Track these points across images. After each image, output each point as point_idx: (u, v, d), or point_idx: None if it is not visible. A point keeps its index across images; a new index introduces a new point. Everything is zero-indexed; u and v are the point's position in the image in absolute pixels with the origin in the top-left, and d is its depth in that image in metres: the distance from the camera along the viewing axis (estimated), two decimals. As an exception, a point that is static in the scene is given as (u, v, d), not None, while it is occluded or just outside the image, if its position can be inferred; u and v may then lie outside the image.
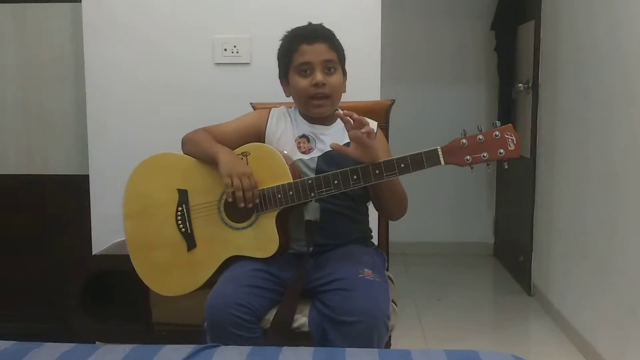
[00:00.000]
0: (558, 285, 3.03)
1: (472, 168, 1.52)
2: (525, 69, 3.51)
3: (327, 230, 1.72)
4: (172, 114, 2.44)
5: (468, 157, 1.50)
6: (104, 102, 2.47)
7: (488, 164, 1.51)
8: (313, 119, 1.80)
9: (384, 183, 1.62)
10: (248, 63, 2.41)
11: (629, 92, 2.27)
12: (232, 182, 1.61)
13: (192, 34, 2.42)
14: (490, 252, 4.25)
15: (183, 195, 1.75)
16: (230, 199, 1.64)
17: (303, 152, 1.76)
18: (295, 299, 1.61)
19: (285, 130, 1.80)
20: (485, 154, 1.48)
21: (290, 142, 1.78)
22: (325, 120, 1.80)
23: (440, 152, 1.51)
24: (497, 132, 1.48)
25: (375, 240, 1.96)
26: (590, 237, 2.63)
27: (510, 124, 1.50)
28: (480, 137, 1.49)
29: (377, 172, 1.55)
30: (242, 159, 1.68)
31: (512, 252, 3.81)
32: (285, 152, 1.73)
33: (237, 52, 2.41)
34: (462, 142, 1.50)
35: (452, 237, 4.24)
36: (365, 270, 1.61)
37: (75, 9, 2.52)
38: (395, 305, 1.73)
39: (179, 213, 1.74)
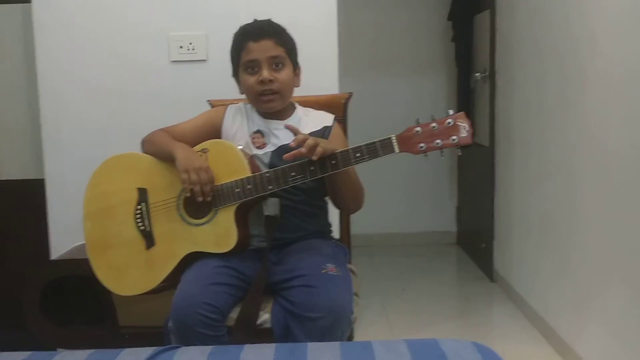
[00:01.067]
0: (519, 271, 3.09)
1: (426, 155, 1.55)
2: (482, 58, 3.55)
3: (282, 225, 1.72)
4: (128, 115, 2.40)
5: (422, 145, 1.52)
6: (57, 104, 2.42)
7: (442, 151, 1.54)
8: (267, 114, 1.81)
9: (340, 176, 1.64)
10: (205, 60, 2.40)
11: (581, 80, 2.32)
12: (189, 177, 1.62)
13: (147, 32, 2.39)
14: (453, 240, 4.30)
15: (143, 194, 1.74)
16: (188, 194, 1.66)
17: (257, 147, 1.77)
18: (259, 296, 1.62)
19: (240, 126, 1.81)
20: (438, 141, 1.52)
21: (245, 138, 1.78)
22: (279, 114, 1.81)
23: (394, 140, 1.53)
24: (450, 120, 1.52)
25: (336, 234, 1.97)
26: (548, 223, 2.68)
27: (462, 112, 1.53)
28: (434, 124, 1.52)
29: (333, 162, 1.57)
30: (201, 155, 1.68)
31: (474, 240, 3.86)
32: (241, 147, 1.73)
33: (194, 50, 2.39)
34: (416, 130, 1.53)
35: (416, 227, 4.28)
36: (329, 265, 1.62)
37: (26, 10, 2.47)
38: (357, 297, 1.74)
39: (138, 211, 1.74)
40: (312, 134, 1.73)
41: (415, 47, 4.18)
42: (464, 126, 1.51)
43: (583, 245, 2.34)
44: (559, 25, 2.51)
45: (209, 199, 1.64)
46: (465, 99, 3.75)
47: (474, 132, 1.53)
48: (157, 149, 1.75)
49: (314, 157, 1.55)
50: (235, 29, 1.83)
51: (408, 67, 4.18)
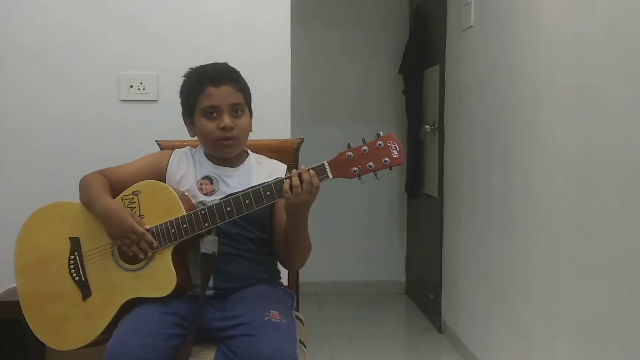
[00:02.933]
0: (466, 322, 3.10)
1: (360, 179, 1.54)
2: (432, 111, 3.63)
3: (228, 274, 1.68)
4: (75, 150, 2.35)
5: (355, 169, 1.52)
6: (2, 134, 2.36)
7: (375, 174, 1.54)
8: (218, 160, 1.77)
9: (298, 225, 1.62)
10: (155, 100, 2.37)
11: (524, 134, 2.38)
12: (122, 243, 1.60)
13: (98, 69, 2.36)
14: (402, 290, 4.30)
15: (75, 243, 1.68)
16: (130, 254, 1.61)
17: (205, 194, 1.72)
18: (190, 343, 1.55)
19: (187, 172, 1.76)
20: (371, 164, 1.52)
21: (191, 184, 1.74)
22: (231, 161, 1.78)
23: (327, 166, 1.53)
24: (381, 142, 1.52)
25: (284, 280, 1.94)
26: (494, 274, 2.71)
27: (391, 133, 1.54)
28: (365, 147, 1.52)
29: (268, 193, 1.55)
30: (132, 198, 1.64)
31: (422, 290, 3.87)
32: (184, 191, 1.69)
33: (144, 89, 2.36)
34: (348, 155, 1.53)
35: (365, 276, 4.26)
36: (272, 312, 1.58)
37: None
38: (304, 346, 1.70)
39: (72, 261, 1.68)
40: (264, 185, 1.71)
41: (367, 97, 4.25)
42: (394, 147, 1.52)
43: (529, 296, 2.36)
44: (504, 81, 2.59)
45: (150, 253, 1.60)
46: (415, 151, 3.81)
47: (403, 152, 1.53)
48: (86, 200, 1.69)
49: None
50: (186, 70, 1.80)
51: (359, 117, 4.23)
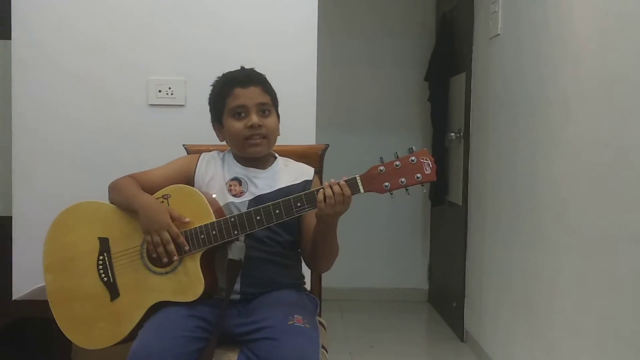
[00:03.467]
0: (489, 331, 3.07)
1: (392, 194, 1.54)
2: (457, 118, 3.62)
3: (256, 278, 1.69)
4: (102, 156, 2.38)
5: (387, 184, 1.52)
6: (31, 142, 2.39)
7: (407, 189, 1.53)
8: (247, 162, 1.78)
9: (322, 233, 1.62)
10: (183, 105, 2.40)
11: (552, 144, 2.36)
12: (152, 239, 1.60)
13: (126, 74, 2.39)
14: (425, 298, 4.28)
15: (104, 244, 1.70)
16: (154, 255, 1.62)
17: (234, 195, 1.73)
18: (212, 346, 1.56)
19: (215, 174, 1.77)
20: (403, 179, 1.51)
21: (220, 186, 1.75)
22: (259, 163, 1.79)
23: (359, 180, 1.53)
24: (414, 158, 1.51)
25: (307, 286, 1.94)
26: (519, 283, 2.68)
27: (425, 149, 1.53)
28: (397, 163, 1.52)
29: (298, 204, 1.55)
30: (162, 202, 1.65)
31: (445, 298, 3.85)
32: (214, 195, 1.71)
33: (172, 94, 2.39)
34: (380, 169, 1.52)
35: (387, 283, 4.26)
36: (296, 316, 1.58)
37: (5, 46, 2.46)
38: (326, 351, 1.70)
39: (101, 262, 1.69)
40: (292, 187, 1.73)
41: (393, 105, 4.25)
42: (427, 163, 1.51)
43: (555, 307, 2.33)
44: (531, 90, 2.58)
45: (175, 259, 1.60)
46: (439, 158, 3.80)
47: (437, 168, 1.52)
48: (121, 199, 1.71)
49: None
50: (213, 76, 1.82)
51: (386, 124, 4.24)
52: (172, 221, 1.61)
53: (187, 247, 1.60)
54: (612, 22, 1.98)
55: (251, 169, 1.78)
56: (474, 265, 3.34)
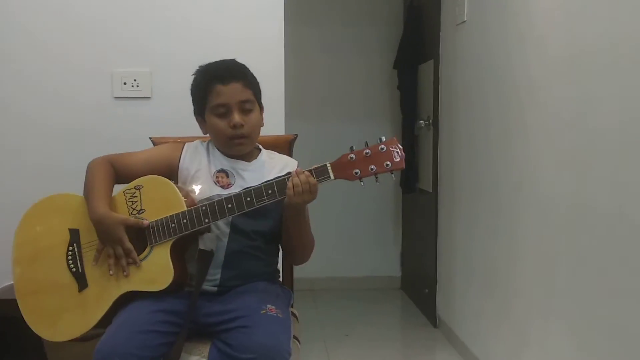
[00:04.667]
0: (460, 316, 3.11)
1: (361, 181, 1.55)
2: (426, 106, 3.63)
3: (238, 271, 1.69)
4: (68, 152, 2.35)
5: (357, 171, 1.53)
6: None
7: (376, 177, 1.55)
8: (232, 154, 1.78)
9: (296, 219, 1.64)
10: (149, 97, 2.37)
11: (522, 127, 2.39)
12: (107, 252, 1.61)
13: (90, 68, 2.36)
14: (397, 285, 4.31)
15: (74, 235, 1.69)
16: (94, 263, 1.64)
17: (221, 187, 1.72)
18: (182, 338, 1.56)
19: (200, 165, 1.76)
20: (372, 167, 1.53)
21: (206, 177, 1.74)
22: (245, 156, 1.78)
23: (329, 167, 1.55)
24: (383, 146, 1.53)
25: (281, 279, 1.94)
26: (489, 268, 2.72)
27: (394, 137, 1.56)
28: (367, 151, 1.54)
29: (269, 191, 1.56)
30: (134, 192, 1.65)
31: (418, 285, 3.88)
32: (196, 189, 1.69)
33: (138, 86, 2.36)
34: (350, 157, 1.54)
35: (360, 271, 4.27)
36: (269, 306, 1.60)
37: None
38: (298, 341, 1.70)
39: (70, 253, 1.68)
40: (276, 179, 1.71)
41: (362, 93, 4.25)
42: (396, 151, 1.53)
43: (523, 291, 2.37)
44: (498, 76, 2.60)
45: (125, 274, 1.60)
46: (409, 146, 3.81)
47: (405, 157, 1.54)
48: (85, 194, 1.69)
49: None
50: (180, 67, 1.82)
51: (355, 112, 4.23)
52: (130, 227, 1.61)
53: (138, 264, 1.61)
54: (577, 5, 2.00)
55: (238, 161, 1.77)
56: (445, 251, 3.36)
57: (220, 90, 1.70)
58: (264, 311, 1.57)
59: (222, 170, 1.75)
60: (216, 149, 1.79)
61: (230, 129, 1.70)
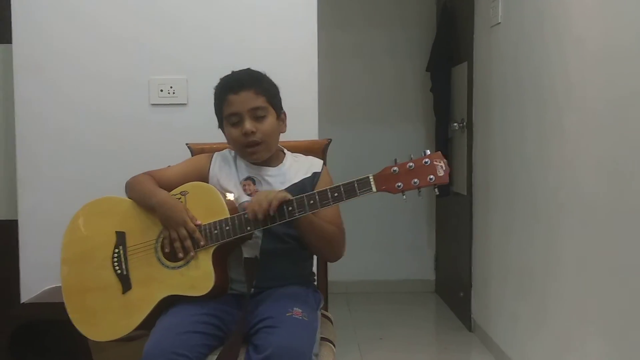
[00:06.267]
0: (497, 320, 3.08)
1: (403, 195, 1.54)
2: (460, 108, 3.61)
3: (269, 273, 1.71)
4: (106, 157, 2.39)
5: (399, 184, 1.52)
6: (34, 145, 2.41)
7: (419, 190, 1.54)
8: (256, 162, 1.80)
9: (304, 224, 1.64)
10: (185, 104, 2.40)
11: (555, 133, 2.36)
12: (169, 235, 1.64)
13: (127, 75, 2.40)
14: (432, 288, 4.28)
15: (120, 237, 1.72)
16: (167, 250, 1.66)
17: (249, 195, 1.75)
18: (238, 344, 1.57)
19: (229, 174, 1.79)
20: (415, 180, 1.52)
21: (235, 185, 1.77)
22: (269, 161, 1.80)
23: (372, 180, 1.53)
24: (427, 160, 1.52)
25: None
26: (525, 272, 2.68)
27: (439, 152, 1.54)
28: (411, 164, 1.53)
29: (311, 202, 1.56)
30: (180, 198, 1.68)
31: (452, 289, 3.85)
32: (231, 197, 1.72)
33: (174, 93, 2.39)
34: (393, 170, 1.53)
35: (394, 274, 4.26)
36: (295, 309, 1.61)
37: (6, 50, 2.47)
38: (333, 345, 1.71)
39: (116, 255, 1.72)
40: (302, 181, 1.75)
41: (396, 96, 4.24)
42: (440, 165, 1.52)
43: (561, 295, 2.33)
44: (533, 78, 2.57)
45: (192, 254, 1.63)
46: (443, 148, 3.79)
47: (450, 171, 1.53)
48: (138, 195, 1.74)
49: (271, 212, 1.56)
50: (215, 74, 1.83)
51: (388, 116, 4.23)
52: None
53: (202, 243, 1.63)
54: (616, 4, 1.97)
55: (261, 167, 1.79)
56: (479, 254, 3.34)
57: (232, 99, 1.73)
58: (289, 314, 1.59)
59: (248, 178, 1.78)
60: (241, 158, 1.82)
61: (243, 136, 1.72)
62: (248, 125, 1.71)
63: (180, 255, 1.63)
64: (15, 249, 2.39)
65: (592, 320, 2.10)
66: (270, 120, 1.76)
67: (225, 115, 1.75)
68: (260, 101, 1.74)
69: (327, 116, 2.58)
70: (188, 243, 1.63)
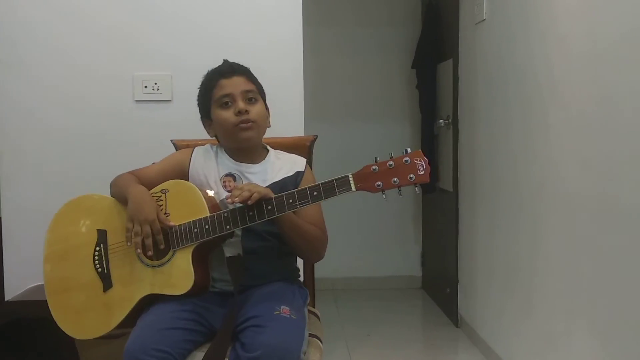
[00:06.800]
0: (483, 316, 3.09)
1: (383, 194, 1.53)
2: (445, 105, 3.62)
3: (252, 272, 1.70)
4: (90, 155, 2.37)
5: (379, 183, 1.51)
6: (18, 141, 2.38)
7: (399, 190, 1.53)
8: (239, 157, 1.79)
9: (287, 225, 1.64)
10: (169, 100, 2.39)
11: (540, 129, 2.37)
12: (132, 228, 1.62)
13: (111, 72, 2.38)
14: (419, 284, 4.30)
15: (102, 235, 1.71)
16: (129, 243, 1.63)
17: (229, 191, 1.73)
18: (226, 341, 1.56)
19: (209, 170, 1.78)
20: (395, 179, 1.50)
21: (215, 181, 1.76)
22: (251, 157, 1.80)
23: (351, 179, 1.52)
24: (407, 158, 1.51)
25: (300, 277, 1.95)
26: (511, 268, 2.70)
27: (419, 150, 1.53)
28: (391, 163, 1.51)
29: (290, 201, 1.55)
30: (160, 196, 1.67)
31: (439, 285, 3.86)
32: (211, 194, 1.71)
33: (158, 89, 2.38)
34: (373, 169, 1.52)
35: (381, 271, 4.27)
36: (282, 307, 1.60)
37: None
38: (320, 341, 1.71)
39: (97, 253, 1.71)
40: (284, 179, 1.74)
41: (382, 93, 4.25)
42: (421, 164, 1.50)
43: (546, 289, 2.35)
44: (518, 74, 2.58)
45: (149, 253, 1.61)
46: (429, 145, 3.80)
47: (431, 170, 1.52)
48: (118, 192, 1.73)
49: (250, 202, 1.54)
50: (199, 70, 1.83)
51: (374, 113, 4.24)
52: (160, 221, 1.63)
53: (162, 246, 1.62)
54: (597, 4, 1.99)
55: (244, 164, 1.78)
56: (466, 250, 3.35)
57: (224, 83, 1.75)
58: (277, 312, 1.59)
59: (229, 175, 1.77)
60: (224, 153, 1.81)
61: (235, 116, 1.72)
62: (242, 104, 1.72)
63: (138, 250, 1.61)
64: (-1, 246, 2.37)
65: (578, 315, 2.11)
66: (261, 105, 1.78)
67: (215, 98, 1.75)
68: (251, 86, 1.77)
69: (313, 113, 2.58)
70: (148, 242, 1.60)
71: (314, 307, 1.94)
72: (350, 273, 4.20)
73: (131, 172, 1.78)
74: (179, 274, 1.62)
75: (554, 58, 2.28)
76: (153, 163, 1.85)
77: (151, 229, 1.61)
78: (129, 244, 1.64)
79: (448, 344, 3.29)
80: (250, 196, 1.54)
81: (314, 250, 1.74)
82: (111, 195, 1.76)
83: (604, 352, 1.96)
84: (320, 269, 2.05)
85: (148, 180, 1.74)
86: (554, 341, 2.28)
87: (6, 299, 2.30)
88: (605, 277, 1.93)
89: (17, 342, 2.14)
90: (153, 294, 1.64)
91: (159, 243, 1.62)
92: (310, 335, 1.68)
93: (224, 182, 1.76)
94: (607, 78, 1.92)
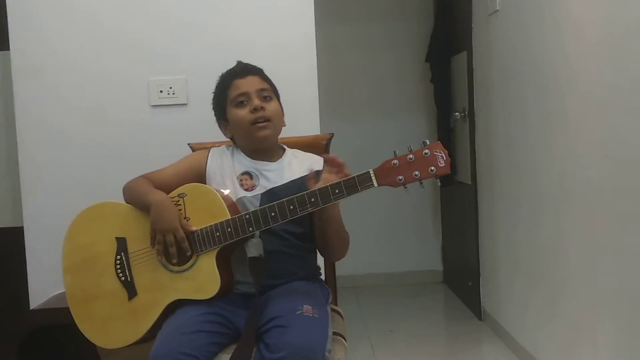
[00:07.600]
0: (506, 308, 3.07)
1: (406, 187, 1.52)
2: (461, 98, 3.60)
3: (273, 271, 1.69)
4: (109, 161, 2.38)
5: (400, 177, 1.50)
6: (35, 151, 2.40)
7: (421, 182, 1.52)
8: (256, 155, 1.79)
9: (326, 218, 1.63)
10: (185, 104, 2.40)
11: (558, 119, 2.35)
12: (155, 236, 1.63)
13: (126, 77, 2.39)
14: (440, 279, 4.28)
15: (121, 243, 1.71)
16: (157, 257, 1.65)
17: (246, 189, 1.73)
18: (251, 343, 1.56)
19: (225, 169, 1.78)
20: (417, 173, 1.49)
21: (232, 180, 1.75)
22: (268, 156, 1.79)
23: (372, 174, 1.51)
24: (427, 150, 1.49)
25: (322, 275, 1.95)
26: (535, 260, 2.68)
27: (439, 142, 1.51)
28: (411, 156, 1.50)
29: (312, 200, 1.54)
30: (178, 200, 1.66)
31: (460, 278, 3.84)
32: (227, 193, 1.71)
33: (174, 94, 2.39)
34: (394, 163, 1.51)
35: (402, 266, 4.26)
36: (305, 306, 1.60)
37: (4, 57, 2.46)
38: (344, 339, 1.70)
39: (118, 262, 1.70)
40: (303, 178, 1.72)
41: (396, 88, 4.23)
42: (441, 156, 1.49)
43: (571, 282, 2.33)
44: (533, 65, 2.55)
45: (174, 261, 1.62)
46: (445, 139, 3.78)
47: (452, 161, 1.50)
48: (135, 198, 1.72)
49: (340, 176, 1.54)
50: (214, 72, 1.84)
51: (389, 108, 4.22)
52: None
53: (189, 253, 1.62)
54: (611, -10, 1.96)
55: (260, 162, 1.78)
56: (486, 243, 3.33)
57: (239, 83, 1.76)
58: (299, 312, 1.58)
59: (245, 173, 1.76)
60: (240, 152, 1.81)
61: (251, 114, 1.73)
62: (257, 101, 1.73)
63: (159, 257, 1.63)
64: (22, 255, 2.39)
65: (603, 306, 2.09)
66: (276, 103, 1.79)
67: (231, 98, 1.76)
68: (266, 85, 1.78)
69: (328, 111, 2.57)
70: (173, 250, 1.61)
71: (336, 305, 1.94)
72: (371, 269, 4.20)
73: (144, 176, 1.77)
74: (204, 278, 1.62)
75: (569, 45, 2.25)
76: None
77: (174, 237, 1.61)
78: (151, 247, 1.64)
79: (472, 338, 3.28)
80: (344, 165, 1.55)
81: (344, 247, 1.74)
82: (125, 202, 1.75)
83: (630, 343, 1.93)
84: (341, 267, 2.04)
85: (164, 183, 1.73)
86: (580, 334, 2.25)
87: (31, 308, 2.33)
88: (630, 268, 1.91)
89: (42, 351, 2.16)
90: (179, 300, 1.64)
91: (185, 250, 1.62)
92: (334, 333, 1.68)
93: (241, 180, 1.75)
94: (623, 64, 1.90)
